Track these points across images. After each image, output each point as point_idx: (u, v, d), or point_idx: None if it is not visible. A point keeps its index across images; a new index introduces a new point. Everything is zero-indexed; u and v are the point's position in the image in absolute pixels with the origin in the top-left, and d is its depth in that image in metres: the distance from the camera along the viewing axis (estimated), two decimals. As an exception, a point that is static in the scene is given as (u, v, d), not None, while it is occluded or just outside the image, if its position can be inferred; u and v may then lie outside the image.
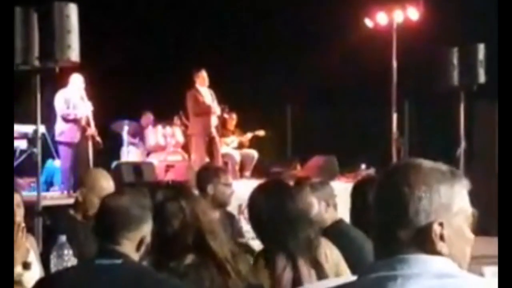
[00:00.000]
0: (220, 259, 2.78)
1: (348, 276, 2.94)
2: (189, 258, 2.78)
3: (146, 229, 2.64)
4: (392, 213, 1.62)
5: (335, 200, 4.06)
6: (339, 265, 3.31)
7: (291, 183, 3.97)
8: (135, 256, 2.62)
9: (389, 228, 1.62)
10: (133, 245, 2.60)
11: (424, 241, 1.60)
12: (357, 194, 3.95)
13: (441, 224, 1.61)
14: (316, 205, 3.91)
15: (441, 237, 1.61)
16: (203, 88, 10.67)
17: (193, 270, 2.74)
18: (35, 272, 3.39)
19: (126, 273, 2.54)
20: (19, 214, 3.78)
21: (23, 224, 3.52)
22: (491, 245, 2.12)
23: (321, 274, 3.13)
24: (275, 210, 3.19)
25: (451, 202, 1.63)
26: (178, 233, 2.80)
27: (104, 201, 2.73)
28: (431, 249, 1.60)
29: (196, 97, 10.59)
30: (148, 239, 2.66)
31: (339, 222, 3.97)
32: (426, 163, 1.67)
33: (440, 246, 1.60)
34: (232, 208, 5.27)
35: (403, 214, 1.60)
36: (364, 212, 3.82)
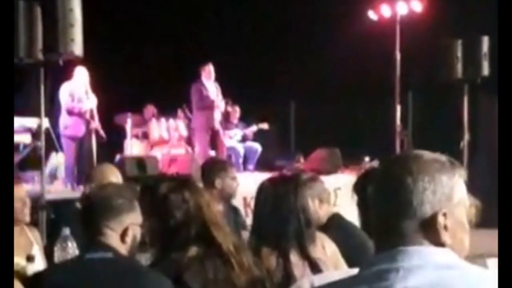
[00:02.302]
0: (223, 251, 2.79)
1: (348, 270, 2.94)
2: (193, 250, 2.79)
3: (128, 220, 2.66)
4: (396, 204, 1.61)
5: (329, 195, 4.01)
6: (337, 260, 3.31)
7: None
8: (122, 248, 2.64)
9: (392, 220, 1.62)
10: (117, 235, 2.62)
11: (429, 232, 1.60)
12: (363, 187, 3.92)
13: (444, 215, 1.61)
14: (310, 203, 3.86)
15: (445, 228, 1.61)
16: (208, 82, 10.67)
17: (197, 262, 2.75)
18: (39, 265, 3.41)
19: (116, 267, 2.57)
20: (23, 208, 3.77)
21: (27, 218, 3.55)
22: (493, 237, 2.12)
23: (315, 269, 3.12)
24: (279, 203, 3.19)
25: (452, 192, 1.63)
26: (181, 224, 2.81)
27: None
28: (436, 240, 1.60)
29: (201, 91, 10.58)
30: (135, 231, 2.68)
31: (335, 216, 3.94)
32: (426, 154, 1.67)
33: (445, 236, 1.60)
34: (236, 201, 5.28)
35: (408, 205, 1.60)
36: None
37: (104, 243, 2.60)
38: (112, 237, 2.62)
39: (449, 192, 1.62)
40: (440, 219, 1.60)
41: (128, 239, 2.65)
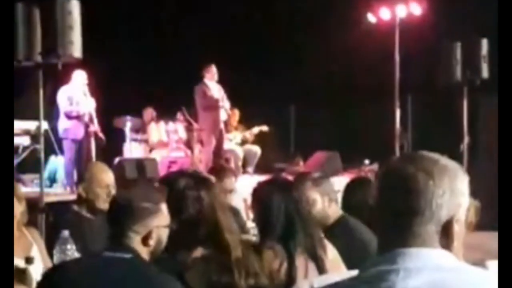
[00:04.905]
0: (231, 255, 2.77)
1: (348, 271, 2.94)
2: (198, 251, 2.77)
3: (153, 223, 2.64)
4: (412, 205, 1.59)
5: (337, 195, 4.02)
6: (339, 264, 3.30)
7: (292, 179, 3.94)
8: (143, 251, 2.63)
9: (405, 220, 1.60)
10: (139, 238, 2.62)
11: (443, 235, 1.60)
12: (352, 192, 3.96)
13: (457, 220, 1.61)
14: (319, 201, 3.86)
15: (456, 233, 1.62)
16: (211, 82, 10.67)
17: (201, 263, 2.73)
18: (38, 267, 3.40)
19: (132, 269, 2.56)
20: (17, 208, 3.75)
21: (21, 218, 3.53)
22: (493, 240, 2.12)
23: (321, 271, 3.12)
24: (288, 207, 3.18)
25: (463, 198, 1.63)
26: (192, 223, 2.80)
27: (115, 195, 2.80)
28: (447, 243, 1.60)
29: (204, 91, 10.58)
30: (160, 233, 2.67)
31: (345, 218, 3.93)
32: (440, 157, 1.66)
33: (455, 241, 1.61)
34: (236, 203, 5.28)
35: (426, 207, 1.58)
36: (358, 210, 3.83)
37: (125, 244, 2.60)
38: (134, 240, 2.62)
39: (461, 197, 1.63)
40: (455, 225, 1.61)
41: (152, 241, 2.64)
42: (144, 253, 2.64)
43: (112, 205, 2.78)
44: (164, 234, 2.70)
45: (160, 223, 2.67)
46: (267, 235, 3.18)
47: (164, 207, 2.69)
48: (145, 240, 2.63)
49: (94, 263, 2.64)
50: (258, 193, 3.33)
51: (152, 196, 2.72)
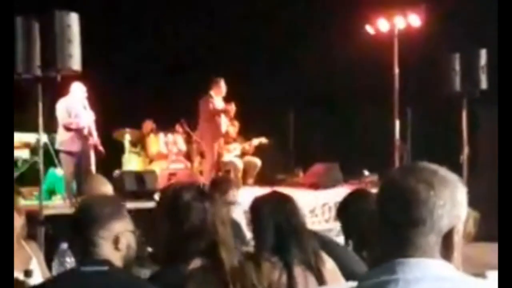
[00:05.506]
0: (226, 271, 2.78)
1: (346, 283, 2.94)
2: (197, 262, 2.78)
3: (117, 227, 2.65)
4: (413, 216, 1.60)
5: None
6: (337, 274, 3.31)
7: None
8: (116, 257, 2.63)
9: (405, 231, 1.60)
10: (109, 244, 2.61)
11: (443, 246, 1.60)
12: (349, 205, 3.97)
13: (457, 231, 1.62)
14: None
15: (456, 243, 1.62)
16: (217, 97, 10.74)
17: (200, 274, 2.74)
18: (37, 280, 3.39)
19: (111, 281, 2.55)
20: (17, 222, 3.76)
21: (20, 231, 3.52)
22: (493, 251, 2.12)
23: (320, 282, 3.13)
24: (278, 220, 3.21)
25: (462, 209, 1.64)
26: (195, 233, 2.81)
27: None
28: (447, 254, 1.61)
29: (210, 104, 10.64)
30: (128, 238, 2.68)
31: (315, 235, 3.96)
32: (440, 168, 1.66)
33: (455, 251, 1.62)
34: (237, 215, 5.27)
35: (427, 218, 1.59)
36: (354, 222, 3.83)
37: (98, 256, 2.59)
38: (104, 246, 2.61)
39: (460, 209, 1.63)
40: (455, 235, 1.61)
41: (122, 246, 2.64)
42: (117, 259, 2.64)
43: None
44: (132, 239, 2.70)
45: (125, 227, 2.68)
46: (260, 247, 3.21)
47: (125, 212, 2.70)
48: (115, 246, 2.63)
49: (72, 280, 2.60)
50: (252, 206, 3.40)
51: (113, 201, 2.77)
